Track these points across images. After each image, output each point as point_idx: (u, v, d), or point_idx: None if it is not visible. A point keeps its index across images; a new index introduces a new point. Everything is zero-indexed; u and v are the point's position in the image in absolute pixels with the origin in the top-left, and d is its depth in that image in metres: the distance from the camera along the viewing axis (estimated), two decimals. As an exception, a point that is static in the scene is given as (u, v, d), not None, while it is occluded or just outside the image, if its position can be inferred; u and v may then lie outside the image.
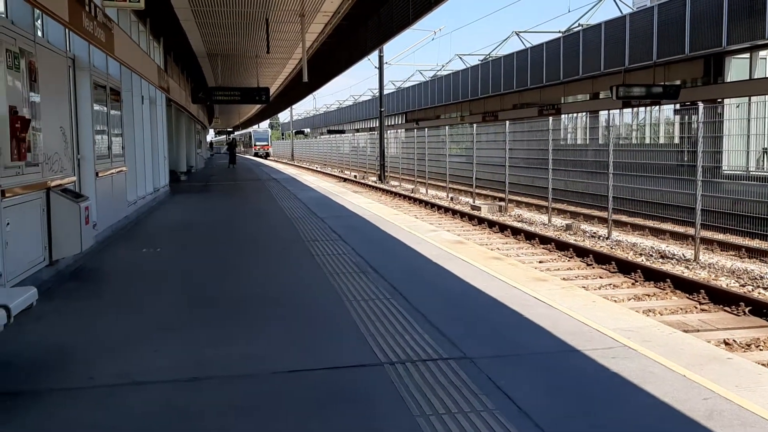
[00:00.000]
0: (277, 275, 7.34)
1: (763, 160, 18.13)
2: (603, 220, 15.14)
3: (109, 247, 9.40)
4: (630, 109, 22.32)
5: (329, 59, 21.14)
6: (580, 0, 71.15)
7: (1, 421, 3.51)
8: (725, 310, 7.73)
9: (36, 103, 6.74)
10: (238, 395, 3.82)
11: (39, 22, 7.73)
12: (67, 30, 8.22)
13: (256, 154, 70.53)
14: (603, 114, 22.55)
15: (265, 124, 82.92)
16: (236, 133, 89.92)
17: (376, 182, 30.97)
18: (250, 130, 79.93)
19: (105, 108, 10.39)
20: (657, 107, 23.47)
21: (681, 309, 7.89)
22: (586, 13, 48.69)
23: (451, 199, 22.40)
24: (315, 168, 48.54)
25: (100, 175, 9.67)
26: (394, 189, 26.58)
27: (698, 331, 6.92)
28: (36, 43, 6.85)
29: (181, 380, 4.05)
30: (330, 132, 59.26)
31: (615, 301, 7.31)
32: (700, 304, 8.01)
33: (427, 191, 25.12)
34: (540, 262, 11.03)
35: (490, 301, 5.92)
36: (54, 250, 7.22)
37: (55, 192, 7.24)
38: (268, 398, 3.78)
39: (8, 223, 5.99)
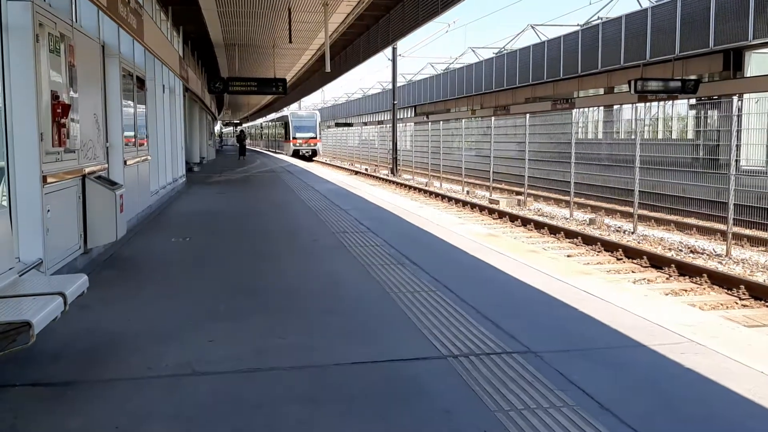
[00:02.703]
0: (315, 266, 7.23)
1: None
2: (625, 215, 15.01)
3: (136, 236, 9.31)
4: (646, 103, 22.13)
5: (349, 50, 20.97)
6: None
7: (66, 411, 3.43)
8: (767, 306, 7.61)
9: (74, 89, 6.64)
10: (306, 386, 3.72)
11: (73, 6, 7.63)
12: (99, 15, 8.13)
13: (296, 153, 44.91)
14: (627, 107, 22.34)
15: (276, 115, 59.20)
16: (260, 120, 71.67)
17: (388, 175, 30.85)
18: (285, 112, 51.30)
19: (132, 96, 10.30)
20: (674, 101, 23.31)
21: (721, 304, 7.77)
22: (605, 5, 48.28)
23: (467, 192, 22.27)
24: (324, 160, 48.41)
25: (128, 163, 9.58)
26: (407, 182, 26.47)
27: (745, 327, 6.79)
28: (73, 28, 6.74)
29: (244, 371, 3.95)
30: (337, 125, 58.53)
31: (666, 294, 7.18)
32: (741, 299, 7.89)
33: (441, 185, 24.99)
34: (568, 256, 10.89)
35: (539, 294, 5.81)
36: (89, 238, 7.13)
37: (91, 179, 7.15)
38: (338, 390, 3.68)
39: (49, 210, 5.91)
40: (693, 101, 22.29)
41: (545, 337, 4.58)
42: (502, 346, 4.36)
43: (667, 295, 8.22)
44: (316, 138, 46.96)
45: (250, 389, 3.70)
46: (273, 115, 60.03)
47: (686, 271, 9.13)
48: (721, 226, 11.35)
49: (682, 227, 13.35)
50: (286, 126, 47.86)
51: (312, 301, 5.67)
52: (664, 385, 3.72)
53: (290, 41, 14.51)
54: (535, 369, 3.94)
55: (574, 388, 3.65)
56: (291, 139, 46.32)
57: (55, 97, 5.85)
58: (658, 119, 23.66)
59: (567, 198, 16.35)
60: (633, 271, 9.65)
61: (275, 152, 50.95)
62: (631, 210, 14.11)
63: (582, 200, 17.03)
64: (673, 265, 9.36)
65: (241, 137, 41.94)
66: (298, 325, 4.94)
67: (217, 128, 70.67)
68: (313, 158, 45.30)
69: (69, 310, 4.53)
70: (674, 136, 22.43)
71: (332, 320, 5.07)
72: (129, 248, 8.30)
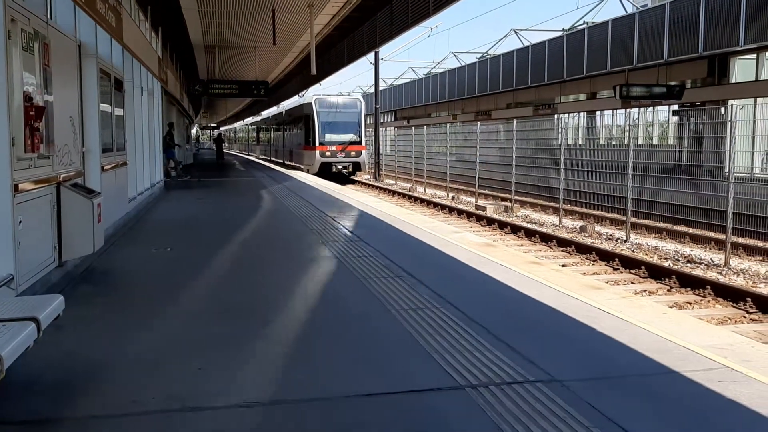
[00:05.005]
0: (309, 280, 6.82)
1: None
2: (615, 222, 14.78)
3: (114, 246, 8.81)
4: (639, 108, 22.06)
5: (333, 52, 20.55)
6: (584, -1, 70.65)
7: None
8: (777, 320, 7.35)
9: (48, 90, 6.16)
10: (318, 424, 3.32)
11: (48, 1, 7.14)
12: (76, 12, 7.64)
13: (325, 168, 28.09)
14: (620, 113, 22.22)
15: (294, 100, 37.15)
16: (253, 117, 58.61)
17: (370, 180, 30.43)
18: (308, 98, 30.32)
19: (110, 98, 9.79)
20: (659, 107, 23.25)
21: (729, 318, 7.50)
22: (589, 11, 48.43)
23: (452, 198, 21.96)
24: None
25: (105, 169, 9.07)
26: (391, 187, 26.10)
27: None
28: (48, 25, 6.26)
29: (244, 405, 3.53)
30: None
31: (670, 307, 6.87)
32: (749, 313, 7.63)
33: (425, 190, 24.67)
34: (563, 266, 10.58)
35: (550, 311, 5.46)
36: (64, 250, 6.63)
37: (66, 187, 6.66)
38: (355, 427, 3.28)
39: (20, 222, 5.42)
40: (671, 107, 22.28)
41: (567, 362, 4.22)
42: (522, 373, 3.99)
43: (671, 307, 7.93)
44: (360, 143, 28.93)
45: (253, 427, 3.29)
46: (277, 108, 40.99)
47: (688, 282, 8.86)
48: (718, 235, 11.13)
49: (674, 235, 13.13)
50: (306, 122, 29.15)
51: (309, 321, 5.26)
52: (711, 420, 3.38)
53: (274, 43, 14.08)
54: (565, 402, 3.57)
55: (614, 426, 3.28)
56: (316, 144, 28.11)
57: (27, 98, 5.39)
58: (649, 125, 23.59)
59: (555, 204, 16.09)
60: (632, 282, 9.37)
61: (285, 165, 33.38)
62: (620, 217, 13.88)
63: (569, 207, 16.80)
64: (674, 276, 9.09)
65: (219, 141, 41.63)
66: (298, 349, 4.53)
67: (193, 132, 69.63)
68: (353, 176, 29.26)
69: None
70: (660, 143, 22.35)
71: (333, 343, 4.67)
72: (107, 260, 7.81)
